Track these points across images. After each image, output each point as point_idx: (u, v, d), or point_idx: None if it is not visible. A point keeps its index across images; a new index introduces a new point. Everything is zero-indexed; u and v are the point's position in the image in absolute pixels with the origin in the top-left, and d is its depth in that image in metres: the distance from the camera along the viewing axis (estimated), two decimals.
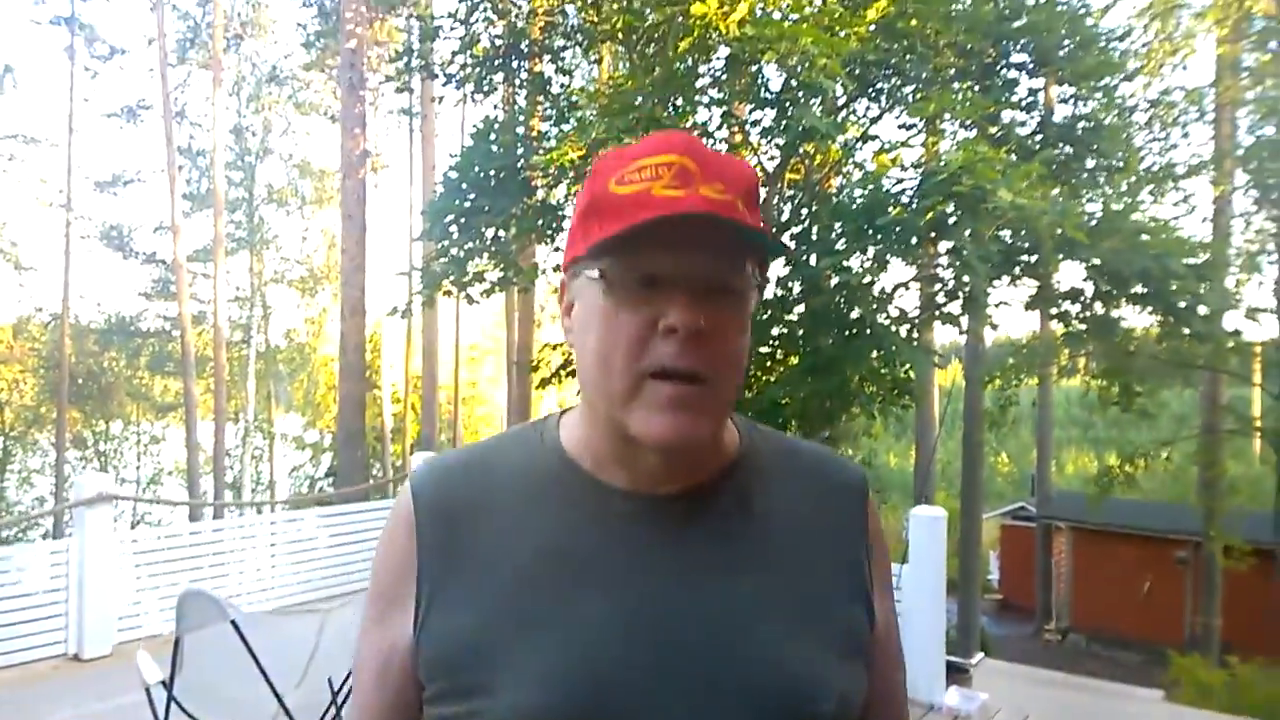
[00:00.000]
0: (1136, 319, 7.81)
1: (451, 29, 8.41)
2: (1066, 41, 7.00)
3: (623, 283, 0.81)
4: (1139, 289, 6.05)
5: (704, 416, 0.82)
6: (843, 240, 5.85)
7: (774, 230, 7.21)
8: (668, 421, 0.80)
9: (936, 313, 7.58)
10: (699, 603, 0.83)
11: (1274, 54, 13.08)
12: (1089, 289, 6.54)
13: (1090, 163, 7.48)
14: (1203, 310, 6.53)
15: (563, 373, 9.32)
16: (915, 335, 7.76)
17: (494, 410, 33.31)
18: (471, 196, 7.82)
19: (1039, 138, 7.32)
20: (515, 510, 0.88)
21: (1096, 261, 5.85)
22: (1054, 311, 7.23)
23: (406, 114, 21.70)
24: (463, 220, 7.84)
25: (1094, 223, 5.92)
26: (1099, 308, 6.97)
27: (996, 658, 13.12)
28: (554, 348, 10.07)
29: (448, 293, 8.47)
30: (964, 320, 7.69)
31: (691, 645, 0.82)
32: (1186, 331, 6.80)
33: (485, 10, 8.27)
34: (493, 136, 7.84)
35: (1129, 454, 13.21)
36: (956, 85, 7.25)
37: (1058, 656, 16.75)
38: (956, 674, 5.45)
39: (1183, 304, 6.11)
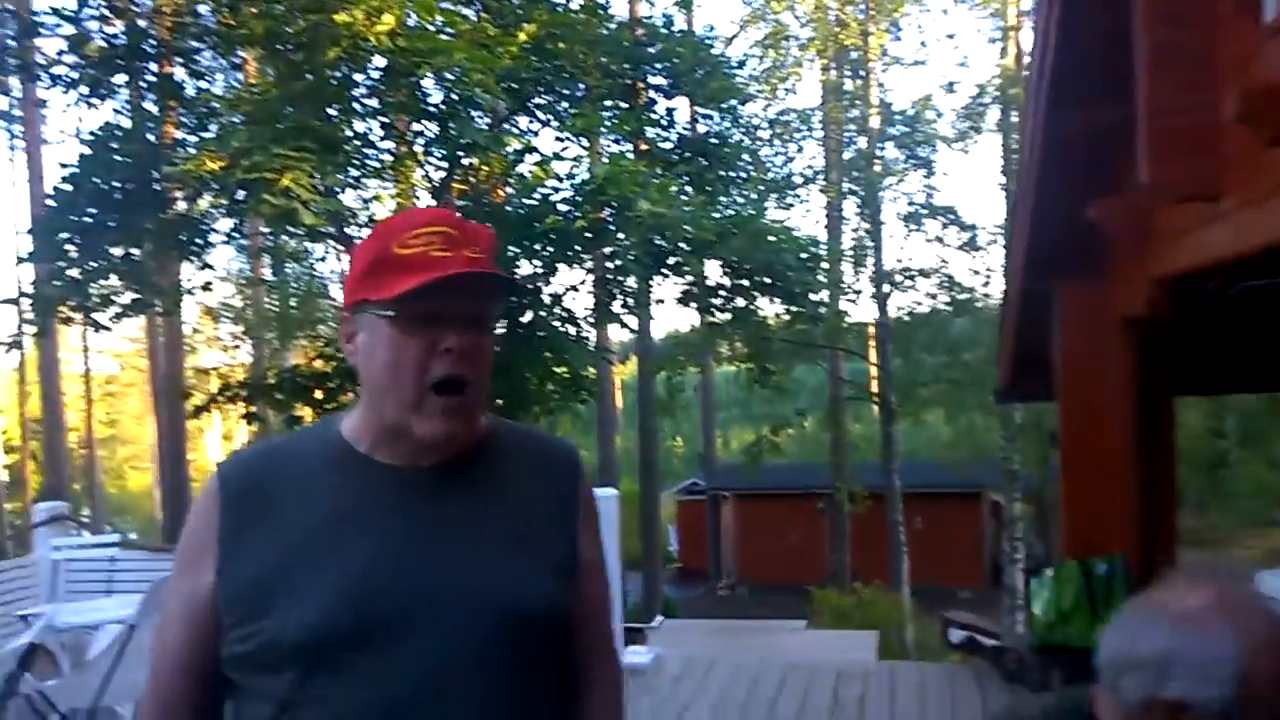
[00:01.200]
0: (770, 309, 9.11)
1: (57, 26, 7.40)
2: (696, 68, 7.92)
3: (411, 319, 1.07)
4: (765, 281, 7.09)
5: (470, 421, 1.13)
6: (508, 247, 6.14)
7: None
8: (445, 426, 1.08)
9: (605, 312, 8.19)
10: (445, 541, 1.10)
11: (863, 79, 15.68)
12: (727, 283, 7.52)
13: (722, 174, 8.55)
14: (815, 297, 7.79)
15: (221, 399, 8.62)
16: (586, 336, 8.31)
17: (142, 451, 29.49)
18: (93, 211, 6.98)
19: (678, 152, 8.21)
20: (301, 484, 1.12)
21: (731, 259, 6.74)
22: (703, 304, 8.16)
23: (4, 118, 18.47)
24: (82, 238, 6.98)
25: (726, 225, 6.81)
26: (739, 301, 8.00)
27: (678, 618, 14.44)
28: (207, 373, 9.26)
29: (67, 320, 7.49)
30: (631, 319, 8.37)
31: (437, 571, 1.08)
32: (808, 315, 8.05)
33: (98, 7, 7.38)
34: (115, 145, 7.05)
35: (773, 425, 15.18)
36: (607, 103, 7.89)
37: (728, 608, 18.77)
38: (634, 635, 6.01)
39: (798, 291, 7.26)
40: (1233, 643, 1.12)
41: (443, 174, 7.73)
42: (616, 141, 8.19)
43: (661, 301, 8.71)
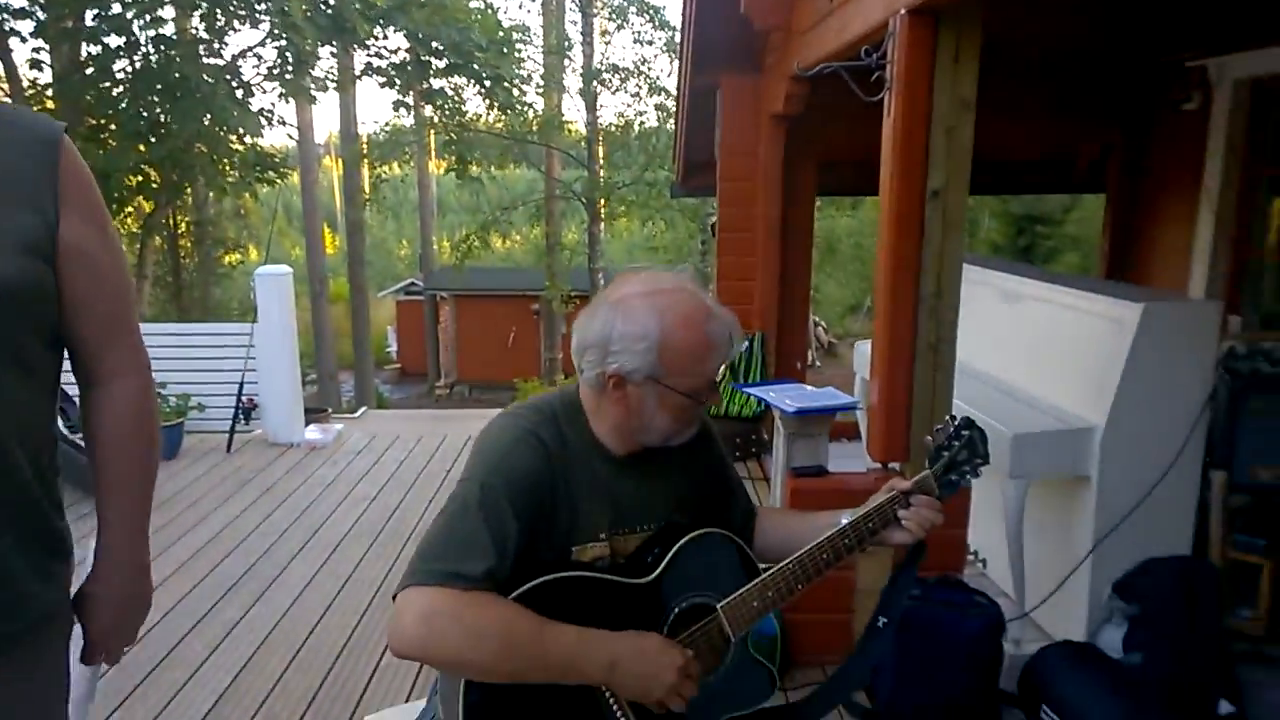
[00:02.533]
0: (475, 103, 8.72)
1: None
2: None
3: None
4: (454, 60, 6.76)
5: None
6: None
7: None
8: None
9: (287, 81, 7.44)
10: None
11: None
12: (411, 59, 7.07)
13: None
14: (513, 86, 7.60)
15: None
16: (268, 110, 7.53)
17: None
18: None
19: None
20: None
21: (415, 32, 6.31)
22: (391, 81, 7.66)
23: None
24: None
25: None
26: (432, 83, 7.60)
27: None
28: None
29: None
30: (322, 94, 7.67)
31: None
32: (503, 105, 7.86)
33: None
34: None
35: (482, 223, 15.09)
36: None
37: (445, 405, 19.19)
38: (317, 415, 6.04)
39: (491, 75, 7.03)
40: (652, 321, 1.35)
41: None
42: None
43: (358, 78, 8.10)
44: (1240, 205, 3.70)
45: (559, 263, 16.64)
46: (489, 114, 9.01)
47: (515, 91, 7.74)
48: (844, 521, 1.47)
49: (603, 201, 14.81)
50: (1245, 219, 3.74)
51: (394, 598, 1.28)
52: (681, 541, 1.43)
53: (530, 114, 11.47)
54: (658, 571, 1.41)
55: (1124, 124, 4.27)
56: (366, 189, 15.19)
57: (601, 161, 15.03)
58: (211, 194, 11.35)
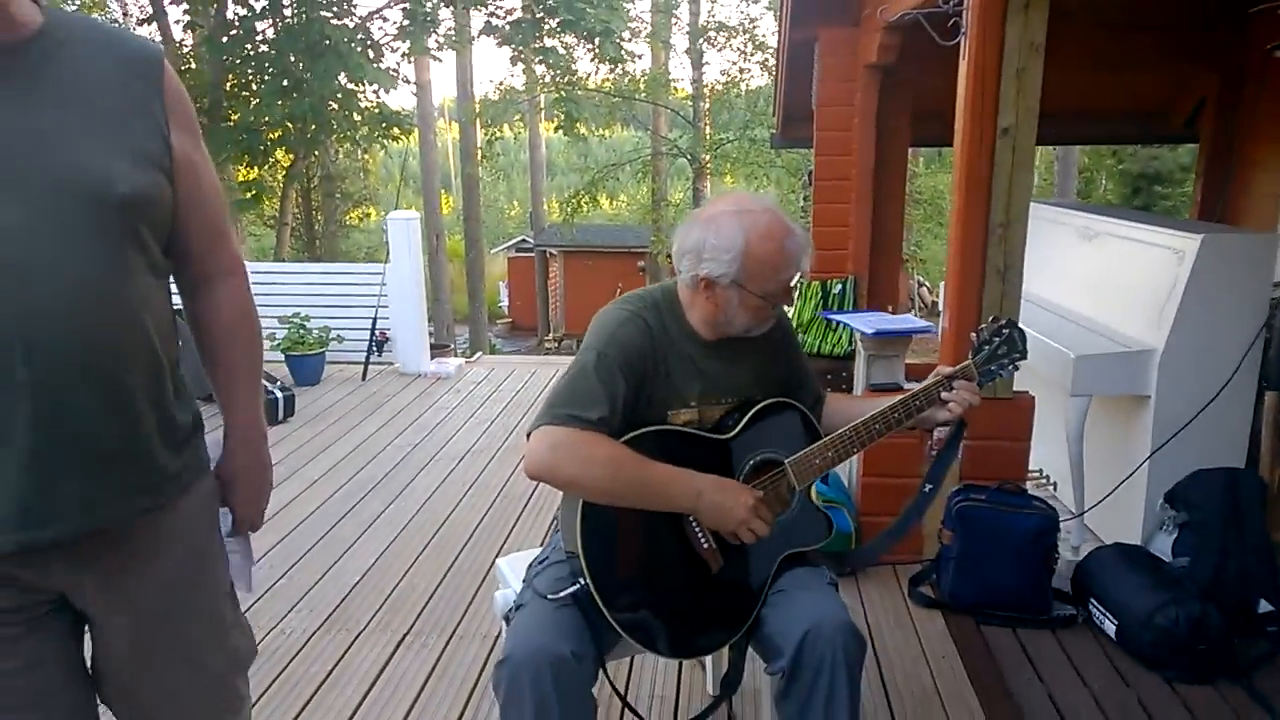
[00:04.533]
0: (586, 62, 8.98)
1: None
2: None
3: None
4: (566, 17, 7.08)
5: None
6: None
7: None
8: None
9: (413, 39, 7.93)
10: (6, 128, 1.05)
11: None
12: (529, 18, 7.45)
13: None
14: (623, 42, 7.89)
15: None
16: (394, 70, 8.05)
17: None
18: None
19: None
20: None
21: None
22: (508, 38, 8.05)
23: None
24: None
25: None
26: (545, 41, 7.96)
27: None
28: None
29: None
30: (443, 53, 8.13)
31: (3, 155, 1.05)
32: (610, 58, 8.14)
33: None
34: None
35: (591, 179, 15.50)
36: None
37: (553, 356, 19.94)
38: (440, 350, 6.63)
39: (600, 30, 7.31)
40: (738, 234, 1.67)
41: None
42: None
43: (473, 39, 8.54)
44: None
45: (665, 220, 16.97)
46: (597, 72, 9.36)
47: (623, 46, 8.03)
48: None
49: (707, 158, 14.99)
50: None
51: (528, 436, 1.65)
52: (757, 407, 1.75)
53: (637, 72, 11.73)
54: (737, 430, 1.73)
55: (1220, 72, 4.28)
56: (480, 148, 15.81)
57: (706, 118, 15.18)
58: (341, 152, 12.10)
